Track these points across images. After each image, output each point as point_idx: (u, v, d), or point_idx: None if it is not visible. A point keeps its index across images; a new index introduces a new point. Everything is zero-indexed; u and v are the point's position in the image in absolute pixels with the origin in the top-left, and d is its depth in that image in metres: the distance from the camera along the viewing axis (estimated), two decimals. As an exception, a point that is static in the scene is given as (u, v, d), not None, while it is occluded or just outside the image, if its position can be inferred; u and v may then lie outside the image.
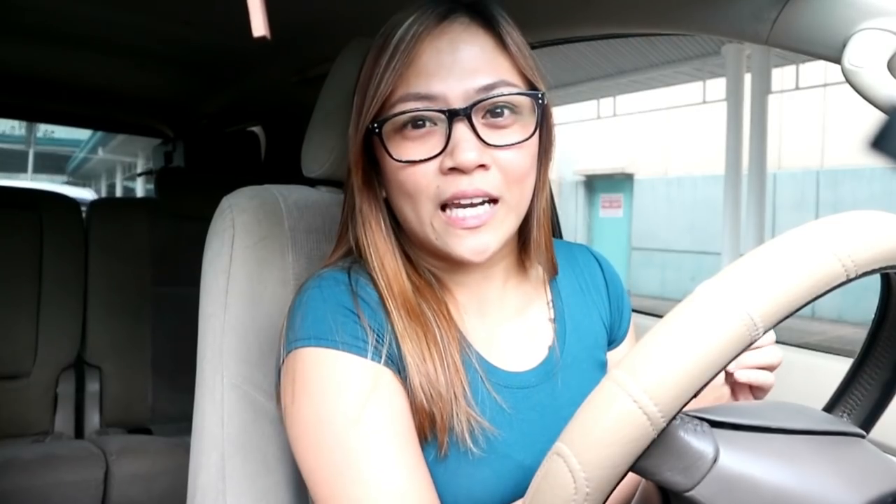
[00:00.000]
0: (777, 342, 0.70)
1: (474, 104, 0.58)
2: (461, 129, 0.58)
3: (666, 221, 10.43)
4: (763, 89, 6.62)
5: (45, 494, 1.28)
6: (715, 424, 0.42)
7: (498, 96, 0.59)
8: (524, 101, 0.61)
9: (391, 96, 0.59)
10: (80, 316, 1.72)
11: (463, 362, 0.63)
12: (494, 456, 0.62)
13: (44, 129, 15.82)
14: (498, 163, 0.59)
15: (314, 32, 1.66)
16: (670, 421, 0.37)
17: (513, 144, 0.59)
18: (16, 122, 14.29)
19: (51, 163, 18.80)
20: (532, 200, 0.65)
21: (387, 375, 0.59)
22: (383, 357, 0.59)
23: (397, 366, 0.60)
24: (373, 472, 0.55)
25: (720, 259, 7.19)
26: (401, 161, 0.59)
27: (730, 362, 0.37)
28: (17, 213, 1.71)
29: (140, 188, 16.94)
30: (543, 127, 0.64)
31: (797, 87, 7.87)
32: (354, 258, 0.68)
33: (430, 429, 0.59)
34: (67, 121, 2.82)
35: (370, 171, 0.65)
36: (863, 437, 0.47)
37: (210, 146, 2.31)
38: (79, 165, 19.48)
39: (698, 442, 0.40)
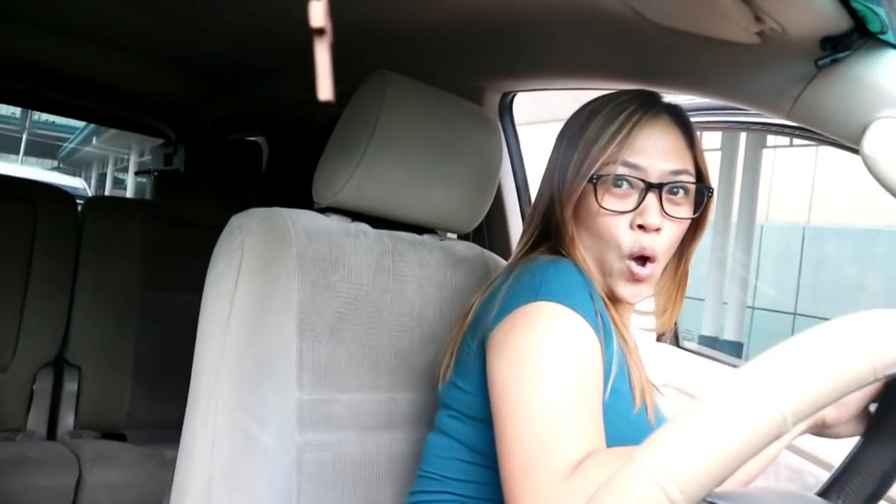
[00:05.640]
0: None
1: (664, 183, 0.76)
2: (651, 198, 0.76)
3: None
4: (758, 143, 6.73)
5: (14, 498, 1.24)
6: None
7: (683, 182, 0.77)
8: (694, 189, 0.79)
9: (609, 158, 0.76)
10: (64, 313, 1.68)
11: None
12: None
13: (39, 113, 15.69)
14: (666, 229, 0.77)
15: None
16: (692, 509, 0.37)
17: (682, 218, 0.78)
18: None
19: (42, 148, 18.60)
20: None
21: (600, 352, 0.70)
22: (602, 334, 0.71)
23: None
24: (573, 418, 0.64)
25: (703, 305, 7.24)
26: (605, 208, 0.76)
27: (756, 454, 0.37)
28: (10, 204, 1.68)
29: (130, 181, 16.78)
30: (703, 214, 0.81)
31: (791, 144, 8.01)
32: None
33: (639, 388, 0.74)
34: (70, 112, 2.80)
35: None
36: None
37: (212, 152, 2.29)
38: (70, 153, 19.29)
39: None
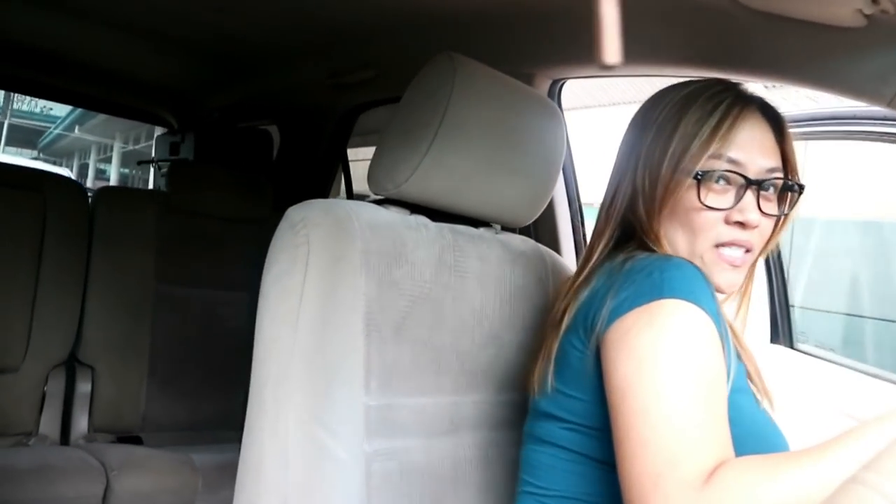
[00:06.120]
0: None
1: (762, 180, 0.75)
2: (750, 195, 0.75)
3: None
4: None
5: (37, 510, 1.16)
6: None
7: (777, 178, 0.77)
8: (781, 185, 0.78)
9: (714, 153, 0.74)
10: (77, 310, 1.59)
11: None
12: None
13: (23, 101, 15.31)
14: (761, 225, 0.76)
15: (350, 37, 1.60)
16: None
17: (774, 215, 0.78)
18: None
19: (22, 136, 18.16)
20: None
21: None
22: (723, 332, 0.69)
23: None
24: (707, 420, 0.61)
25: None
26: (707, 206, 0.74)
27: None
28: (19, 194, 1.58)
29: (113, 172, 16.49)
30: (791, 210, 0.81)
31: (784, 136, 8.04)
32: None
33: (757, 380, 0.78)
34: (66, 98, 2.69)
35: None
36: None
37: (222, 141, 2.21)
38: (52, 142, 18.89)
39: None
